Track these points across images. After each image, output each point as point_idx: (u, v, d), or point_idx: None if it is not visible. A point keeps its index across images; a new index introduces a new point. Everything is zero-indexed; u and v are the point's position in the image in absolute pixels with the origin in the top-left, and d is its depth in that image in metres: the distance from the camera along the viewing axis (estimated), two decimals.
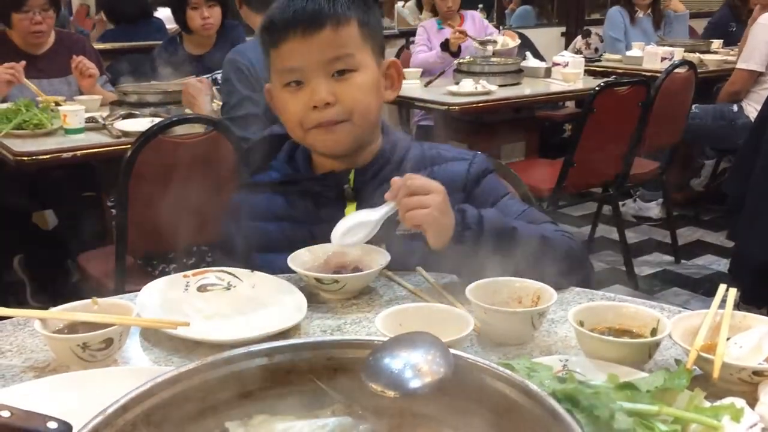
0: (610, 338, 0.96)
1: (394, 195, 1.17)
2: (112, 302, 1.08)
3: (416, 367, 0.64)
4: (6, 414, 0.52)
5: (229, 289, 1.21)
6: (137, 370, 0.96)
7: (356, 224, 1.20)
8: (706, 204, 4.60)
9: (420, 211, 1.15)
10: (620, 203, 4.11)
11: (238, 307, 1.16)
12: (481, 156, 1.41)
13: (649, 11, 5.46)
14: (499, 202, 1.34)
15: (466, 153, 1.41)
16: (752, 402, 0.83)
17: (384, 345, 0.67)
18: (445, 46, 4.31)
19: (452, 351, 0.67)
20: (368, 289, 1.24)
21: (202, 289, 1.21)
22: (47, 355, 1.01)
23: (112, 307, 1.06)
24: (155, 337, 1.08)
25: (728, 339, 0.93)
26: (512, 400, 0.63)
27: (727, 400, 0.81)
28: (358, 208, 1.28)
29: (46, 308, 1.04)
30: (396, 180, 1.18)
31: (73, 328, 1.01)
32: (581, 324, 0.98)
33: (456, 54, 4.25)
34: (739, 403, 0.80)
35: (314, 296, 1.21)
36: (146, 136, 2.24)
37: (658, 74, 3.75)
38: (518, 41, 4.47)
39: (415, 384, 0.63)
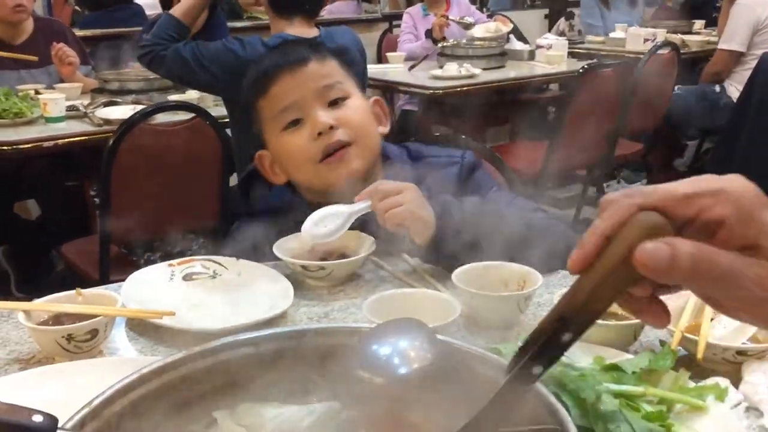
0: None
1: (366, 195, 1.20)
2: (96, 293, 1.08)
3: (403, 354, 0.64)
4: None
5: (214, 277, 1.21)
6: (123, 361, 0.96)
7: (328, 215, 1.20)
8: None
9: (397, 210, 1.16)
10: (605, 185, 4.13)
11: (224, 296, 1.16)
12: (469, 154, 1.43)
13: None
14: (488, 194, 1.35)
15: (454, 154, 1.42)
16: (736, 381, 0.84)
17: (371, 332, 0.67)
18: (429, 33, 4.28)
19: (439, 336, 0.67)
20: (355, 275, 1.24)
21: (187, 278, 1.20)
22: (32, 347, 1.01)
23: (96, 297, 1.05)
24: (141, 327, 1.07)
25: (712, 319, 0.94)
26: (499, 384, 0.63)
27: (712, 380, 0.82)
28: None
29: (31, 299, 1.03)
30: (368, 188, 1.20)
31: (57, 319, 1.00)
32: None
33: (440, 42, 4.23)
34: (723, 382, 0.81)
35: (301, 284, 1.20)
36: (128, 124, 2.22)
37: (641, 55, 3.76)
38: (510, 26, 4.44)
39: (402, 370, 0.63)
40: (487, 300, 1.04)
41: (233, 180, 2.66)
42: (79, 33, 3.98)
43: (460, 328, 1.05)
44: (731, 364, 0.88)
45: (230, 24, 4.19)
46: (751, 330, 0.92)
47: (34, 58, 3.17)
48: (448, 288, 1.11)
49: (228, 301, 1.14)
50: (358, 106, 1.34)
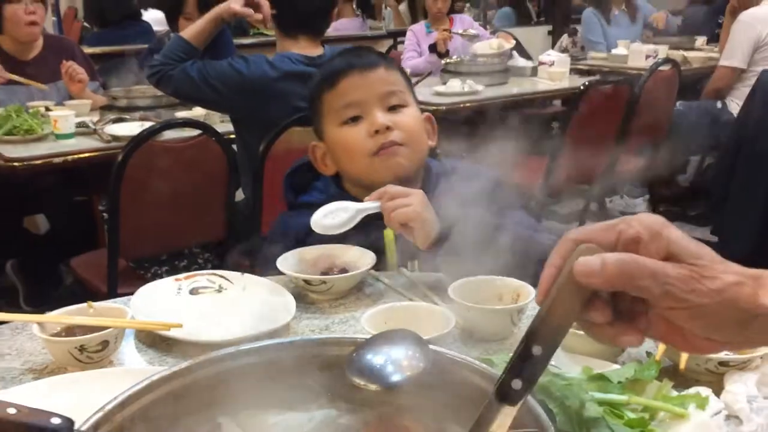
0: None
1: (376, 196, 1.27)
2: (106, 306, 1.12)
3: (397, 362, 0.68)
4: (12, 411, 0.56)
5: (220, 291, 1.25)
6: (132, 371, 0.99)
7: (337, 209, 1.27)
8: (692, 200, 4.66)
9: (403, 209, 1.23)
10: (607, 200, 4.16)
11: (229, 309, 1.19)
12: (496, 173, 1.48)
13: (624, 6, 5.52)
14: (505, 211, 1.40)
15: (482, 170, 1.48)
16: (718, 391, 0.88)
17: (367, 342, 0.71)
18: (433, 48, 4.34)
19: (431, 347, 0.71)
20: (355, 289, 1.28)
21: (194, 292, 1.24)
22: (45, 358, 1.05)
23: (107, 310, 1.09)
24: (149, 339, 1.11)
25: None
26: (486, 391, 0.67)
27: (694, 390, 0.85)
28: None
29: (39, 312, 1.07)
30: (378, 190, 1.27)
31: (70, 331, 1.04)
32: None
33: (444, 56, 4.29)
34: (705, 392, 0.85)
35: (303, 297, 1.24)
36: (136, 141, 2.27)
37: (643, 72, 3.80)
38: (513, 42, 4.48)
39: (395, 378, 0.67)
40: (482, 313, 1.08)
41: (239, 195, 2.71)
42: (87, 50, 4.05)
43: (456, 339, 1.09)
44: (713, 374, 0.92)
45: (236, 41, 4.26)
46: None
47: (45, 87, 3.24)
48: (445, 301, 1.15)
49: (233, 313, 1.18)
50: (414, 116, 1.45)
